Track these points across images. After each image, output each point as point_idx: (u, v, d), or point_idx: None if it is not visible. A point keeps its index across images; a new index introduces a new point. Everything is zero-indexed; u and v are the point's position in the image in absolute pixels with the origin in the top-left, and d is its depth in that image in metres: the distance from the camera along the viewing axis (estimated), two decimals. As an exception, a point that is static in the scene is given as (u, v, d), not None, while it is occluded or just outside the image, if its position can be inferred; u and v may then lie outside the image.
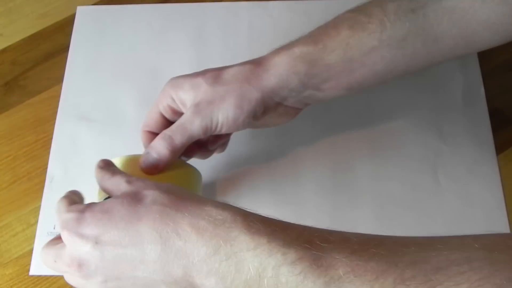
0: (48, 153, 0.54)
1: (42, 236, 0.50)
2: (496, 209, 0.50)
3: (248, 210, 0.33)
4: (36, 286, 0.49)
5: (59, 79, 0.58)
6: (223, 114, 0.42)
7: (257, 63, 0.43)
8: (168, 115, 0.45)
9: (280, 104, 0.44)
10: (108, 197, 0.39)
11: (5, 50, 0.61)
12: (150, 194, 0.34)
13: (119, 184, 0.37)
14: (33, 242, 0.50)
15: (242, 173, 0.48)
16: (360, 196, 0.51)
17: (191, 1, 0.63)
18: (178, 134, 0.42)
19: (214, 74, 0.43)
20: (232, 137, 0.50)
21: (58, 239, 0.37)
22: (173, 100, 0.44)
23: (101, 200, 0.40)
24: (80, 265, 0.34)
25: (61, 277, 0.48)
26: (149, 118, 0.46)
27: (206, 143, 0.47)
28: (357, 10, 0.43)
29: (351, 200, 0.51)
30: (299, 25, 0.60)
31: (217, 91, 0.42)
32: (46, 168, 0.54)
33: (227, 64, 0.58)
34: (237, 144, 0.52)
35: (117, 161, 0.43)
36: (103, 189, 0.39)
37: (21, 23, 0.63)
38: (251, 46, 0.59)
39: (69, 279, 0.36)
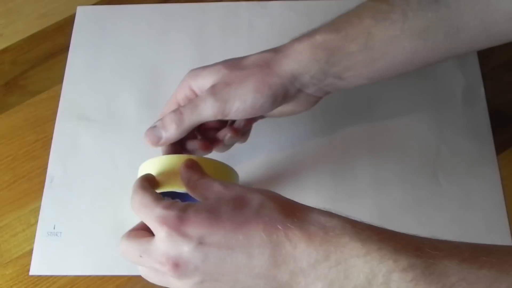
0: (48, 153, 0.54)
1: (42, 236, 0.50)
2: (496, 209, 0.50)
3: (354, 218, 0.33)
4: (36, 286, 0.49)
5: (59, 79, 0.58)
6: (241, 98, 0.41)
7: (277, 50, 0.43)
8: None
9: (300, 91, 0.43)
10: (162, 193, 0.39)
11: (5, 50, 0.61)
12: (256, 198, 0.34)
13: (211, 186, 0.36)
14: (33, 242, 0.50)
15: (240, 174, 0.48)
16: (360, 196, 0.51)
17: (191, 1, 0.63)
18: (188, 110, 0.41)
19: (234, 61, 0.43)
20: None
21: (139, 230, 0.36)
22: (192, 90, 0.43)
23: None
24: (176, 264, 0.33)
25: (61, 277, 0.49)
26: (166, 109, 0.45)
27: (223, 138, 0.46)
28: (380, 0, 0.42)
29: (351, 200, 0.51)
30: (299, 25, 0.60)
31: (236, 75, 0.41)
32: (46, 168, 0.54)
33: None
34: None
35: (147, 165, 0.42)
36: (190, 189, 0.38)
37: (21, 23, 0.63)
38: (251, 46, 0.59)
39: (155, 276, 0.35)
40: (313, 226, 0.32)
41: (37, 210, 0.52)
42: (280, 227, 0.32)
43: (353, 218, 0.33)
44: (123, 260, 0.49)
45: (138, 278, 0.48)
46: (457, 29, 0.41)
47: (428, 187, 0.51)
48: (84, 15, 0.62)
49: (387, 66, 0.42)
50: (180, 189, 0.39)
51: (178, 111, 0.42)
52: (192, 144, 0.45)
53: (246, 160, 0.53)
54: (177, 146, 0.44)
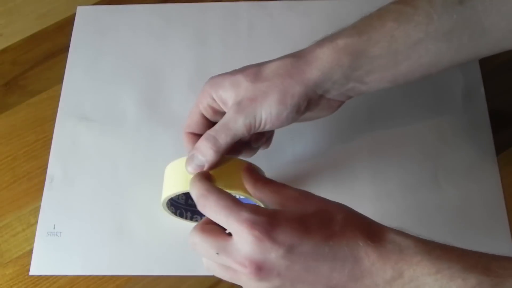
0: (48, 153, 0.54)
1: (42, 236, 0.50)
2: (496, 209, 0.50)
3: (425, 238, 0.35)
4: (36, 286, 0.49)
5: (59, 79, 0.58)
6: (266, 111, 0.41)
7: (298, 56, 0.42)
8: (209, 115, 0.45)
9: (322, 97, 0.43)
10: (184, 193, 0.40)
11: (5, 50, 0.61)
12: (339, 213, 0.35)
13: (285, 193, 0.38)
14: (33, 242, 0.50)
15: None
16: (360, 196, 0.51)
17: (191, 1, 0.63)
18: (222, 133, 0.41)
19: (254, 71, 0.42)
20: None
21: (214, 225, 0.36)
22: (213, 99, 0.43)
23: (178, 192, 0.42)
24: (260, 268, 0.33)
25: (61, 277, 0.49)
26: (190, 119, 0.45)
27: (249, 141, 0.47)
28: (403, 2, 0.42)
29: (351, 200, 0.50)
30: (299, 25, 0.60)
31: (258, 88, 0.41)
32: (46, 168, 0.54)
33: (227, 64, 0.58)
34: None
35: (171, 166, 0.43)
36: (255, 192, 0.39)
37: (21, 23, 0.63)
38: (251, 46, 0.59)
39: (218, 271, 0.37)
40: (389, 245, 0.34)
41: (37, 210, 0.52)
42: (361, 244, 0.33)
43: (425, 238, 0.35)
44: (123, 260, 0.49)
45: (138, 278, 0.49)
46: (483, 31, 0.40)
47: (428, 187, 0.51)
48: (84, 15, 0.62)
49: (411, 69, 0.42)
50: (240, 192, 0.40)
51: (211, 137, 0.42)
52: None
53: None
54: None
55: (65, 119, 0.56)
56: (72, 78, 0.58)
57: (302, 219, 0.34)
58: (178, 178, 0.42)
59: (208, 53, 0.59)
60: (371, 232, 0.34)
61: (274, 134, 0.49)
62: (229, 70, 0.57)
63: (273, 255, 0.33)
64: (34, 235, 0.50)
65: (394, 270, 0.33)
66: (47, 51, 0.61)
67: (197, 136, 0.44)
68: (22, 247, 0.50)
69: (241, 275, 0.35)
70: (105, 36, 0.61)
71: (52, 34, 0.62)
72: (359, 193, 0.51)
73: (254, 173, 0.40)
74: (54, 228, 0.51)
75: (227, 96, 0.42)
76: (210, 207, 0.36)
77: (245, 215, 0.34)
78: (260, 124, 0.41)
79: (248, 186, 0.40)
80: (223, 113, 0.43)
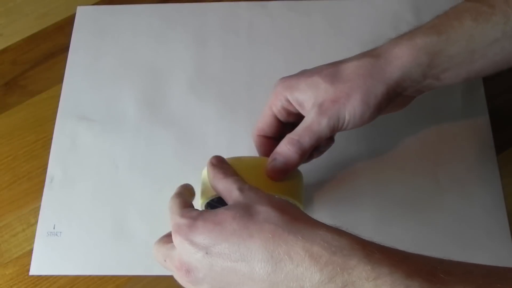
0: (48, 153, 0.54)
1: (42, 236, 0.50)
2: (496, 209, 0.50)
3: (364, 238, 0.32)
4: (36, 286, 0.49)
5: (59, 79, 0.58)
6: (350, 112, 0.41)
7: (376, 56, 0.42)
8: (282, 117, 0.44)
9: (399, 94, 0.43)
10: (214, 197, 0.40)
11: (5, 50, 0.61)
12: (263, 211, 0.33)
13: (230, 190, 0.37)
14: (33, 242, 0.50)
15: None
16: (360, 196, 0.51)
17: (191, 1, 0.63)
18: (306, 137, 0.41)
19: (331, 72, 0.42)
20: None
21: (169, 236, 0.37)
22: (288, 101, 0.43)
23: (208, 198, 0.41)
24: (188, 270, 0.34)
25: (61, 277, 0.49)
26: (263, 122, 0.45)
27: (319, 144, 0.45)
28: (479, 1, 0.42)
29: (351, 200, 0.51)
30: (299, 25, 0.60)
31: (340, 89, 0.41)
32: (46, 168, 0.54)
33: (227, 64, 0.58)
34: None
35: (236, 162, 0.42)
36: (214, 188, 0.39)
37: (21, 23, 0.63)
38: (251, 46, 0.59)
39: (178, 279, 0.37)
40: (317, 246, 0.31)
41: (37, 210, 0.52)
42: (282, 244, 0.31)
43: (363, 238, 0.32)
44: (123, 260, 0.49)
45: (138, 278, 0.49)
46: None
47: (428, 187, 0.51)
48: (84, 15, 0.62)
49: (484, 66, 0.42)
50: (211, 195, 0.40)
51: (295, 141, 0.41)
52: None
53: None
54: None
55: (65, 119, 0.56)
56: (72, 78, 0.58)
57: (220, 220, 0.33)
58: None
59: (208, 53, 0.59)
60: (296, 231, 0.32)
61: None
62: (229, 70, 0.58)
63: (194, 257, 0.33)
64: (34, 235, 0.50)
65: (323, 274, 0.30)
66: (47, 51, 0.61)
67: (269, 138, 0.45)
68: (22, 247, 0.50)
69: (184, 280, 0.35)
70: (105, 36, 0.61)
71: (52, 34, 0.62)
72: (359, 193, 0.51)
73: (214, 168, 0.39)
74: (54, 228, 0.51)
75: (304, 98, 0.42)
76: (168, 209, 0.38)
77: (175, 218, 0.35)
78: (343, 125, 0.42)
79: (210, 183, 0.40)
80: (297, 115, 0.44)
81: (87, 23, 0.62)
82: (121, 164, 0.53)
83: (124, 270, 0.49)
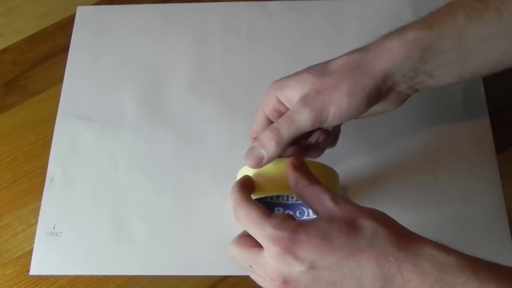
0: (48, 153, 0.54)
1: (42, 236, 0.50)
2: (496, 209, 0.50)
3: (470, 254, 0.32)
4: (36, 286, 0.49)
5: (59, 79, 0.58)
6: (336, 103, 0.40)
7: (366, 50, 0.41)
8: (274, 119, 0.44)
9: (392, 90, 0.42)
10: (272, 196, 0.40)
11: (5, 50, 0.61)
12: (368, 225, 0.33)
13: (321, 199, 0.36)
14: (33, 242, 0.50)
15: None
16: (360, 196, 0.51)
17: (191, 1, 0.63)
18: (285, 125, 0.41)
19: (321, 67, 0.42)
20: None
21: (249, 238, 0.36)
22: (279, 101, 0.43)
23: (265, 194, 0.40)
24: (287, 282, 0.33)
25: (61, 277, 0.49)
26: (256, 124, 0.45)
27: (316, 141, 0.46)
28: None
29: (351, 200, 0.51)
30: (299, 25, 0.60)
31: (326, 81, 0.40)
32: (46, 168, 0.54)
33: (227, 64, 0.58)
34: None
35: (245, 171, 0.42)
36: (297, 193, 0.38)
37: (21, 23, 0.63)
38: (251, 46, 0.59)
39: (260, 282, 0.36)
40: (426, 262, 0.31)
41: (37, 210, 0.52)
42: (392, 260, 0.31)
43: (470, 254, 0.32)
44: (123, 260, 0.49)
45: (138, 278, 0.49)
46: None
47: (428, 187, 0.51)
48: (84, 15, 0.62)
49: (478, 65, 0.42)
50: (284, 192, 0.40)
51: (274, 128, 0.41)
52: (287, 151, 0.44)
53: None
54: None
55: (65, 119, 0.56)
56: (72, 78, 0.58)
57: (325, 234, 0.33)
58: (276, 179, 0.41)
59: (208, 53, 0.59)
60: (405, 246, 0.32)
61: (340, 132, 0.48)
62: (229, 70, 0.58)
63: (297, 269, 0.33)
64: (34, 235, 0.50)
65: None
66: (47, 51, 0.61)
67: None
68: (22, 247, 0.50)
69: (273, 287, 0.35)
70: (105, 36, 0.61)
71: (52, 34, 0.62)
72: (359, 193, 0.51)
73: (298, 171, 0.39)
74: (54, 228, 0.51)
75: (292, 94, 0.42)
76: (241, 220, 0.37)
77: (269, 230, 0.34)
78: (327, 117, 0.40)
79: (291, 185, 0.39)
80: None
81: (87, 23, 0.62)
82: (121, 164, 0.53)
83: (124, 270, 0.49)
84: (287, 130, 0.40)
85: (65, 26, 0.62)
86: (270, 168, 0.41)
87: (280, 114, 0.44)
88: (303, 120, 0.40)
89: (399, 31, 0.41)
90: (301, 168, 0.39)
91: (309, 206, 0.37)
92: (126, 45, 0.60)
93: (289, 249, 0.33)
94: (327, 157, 0.53)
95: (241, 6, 0.62)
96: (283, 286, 0.34)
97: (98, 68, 0.59)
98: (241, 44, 0.60)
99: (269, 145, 0.41)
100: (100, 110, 0.56)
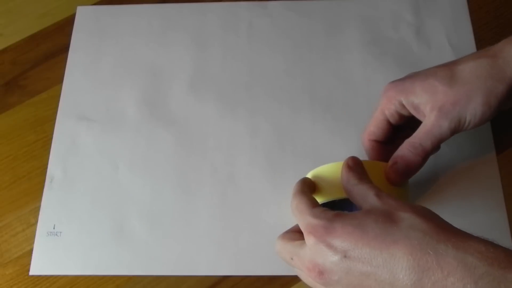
0: (48, 153, 0.54)
1: (42, 236, 0.50)
2: (496, 209, 0.50)
3: None
4: (36, 286, 0.49)
5: (59, 79, 0.58)
6: (471, 113, 0.41)
7: (492, 56, 0.42)
8: (394, 121, 0.45)
9: None
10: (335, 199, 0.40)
11: (5, 50, 0.61)
12: (407, 217, 0.33)
13: (366, 195, 0.36)
14: (33, 242, 0.50)
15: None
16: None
17: (191, 1, 0.63)
18: (428, 141, 0.42)
19: (447, 74, 0.42)
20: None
21: (295, 232, 0.37)
22: (402, 105, 0.43)
23: (329, 199, 0.41)
24: (322, 272, 0.33)
25: (61, 277, 0.49)
26: (375, 126, 0.46)
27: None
28: None
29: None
30: (299, 25, 0.60)
31: (459, 91, 0.41)
32: (46, 168, 0.54)
33: (227, 64, 0.58)
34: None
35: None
36: (347, 192, 0.39)
37: (21, 23, 0.63)
38: (251, 46, 0.59)
39: (305, 278, 0.37)
40: (471, 256, 0.30)
41: (37, 210, 0.52)
42: (430, 252, 0.31)
43: None
44: (123, 260, 0.49)
45: (138, 278, 0.49)
46: None
47: (428, 186, 0.51)
48: (84, 15, 0.62)
49: None
50: (339, 196, 0.40)
51: (417, 144, 0.42)
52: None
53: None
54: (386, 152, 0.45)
55: (65, 119, 0.56)
56: (72, 78, 0.59)
57: (360, 224, 0.33)
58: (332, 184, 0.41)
59: (208, 53, 0.59)
60: (445, 239, 0.31)
61: None
62: (229, 70, 0.58)
63: (331, 259, 0.33)
64: (34, 235, 0.50)
65: (478, 286, 0.29)
66: (47, 51, 0.61)
67: (379, 143, 0.45)
68: (22, 247, 0.50)
69: (311, 279, 0.35)
70: (105, 36, 0.61)
71: (52, 34, 0.62)
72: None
73: (349, 171, 0.39)
74: (54, 228, 0.51)
75: (420, 101, 0.42)
76: (292, 210, 0.37)
77: (308, 219, 0.35)
78: (463, 127, 0.42)
79: (343, 185, 0.39)
80: (409, 118, 0.44)
81: (87, 23, 0.62)
82: (121, 164, 0.53)
83: (124, 270, 0.49)
84: (431, 145, 0.42)
85: (65, 26, 0.62)
86: (333, 173, 0.41)
87: (402, 117, 0.44)
88: (445, 132, 0.42)
89: None
90: (355, 168, 0.39)
91: (356, 203, 0.38)
92: (126, 45, 0.60)
93: (323, 238, 0.33)
94: (328, 156, 0.53)
95: (241, 6, 0.62)
96: (318, 278, 0.34)
97: (98, 68, 0.59)
98: (241, 44, 0.60)
99: (415, 162, 0.42)
100: (100, 110, 0.56)
